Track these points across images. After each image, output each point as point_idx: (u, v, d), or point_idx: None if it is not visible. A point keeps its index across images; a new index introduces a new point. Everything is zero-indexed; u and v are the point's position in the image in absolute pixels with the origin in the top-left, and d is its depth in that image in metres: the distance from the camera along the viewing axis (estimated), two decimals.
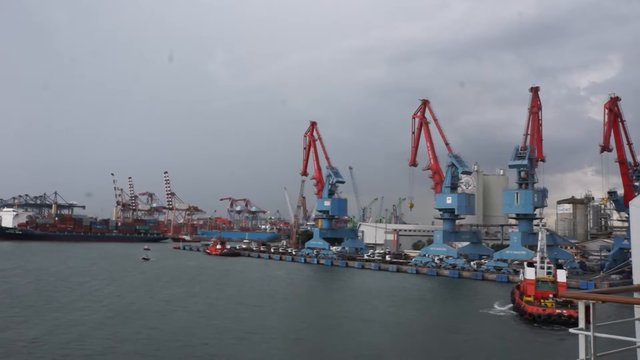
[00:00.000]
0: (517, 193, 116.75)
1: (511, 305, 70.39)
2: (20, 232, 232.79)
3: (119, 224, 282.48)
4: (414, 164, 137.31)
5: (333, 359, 44.30)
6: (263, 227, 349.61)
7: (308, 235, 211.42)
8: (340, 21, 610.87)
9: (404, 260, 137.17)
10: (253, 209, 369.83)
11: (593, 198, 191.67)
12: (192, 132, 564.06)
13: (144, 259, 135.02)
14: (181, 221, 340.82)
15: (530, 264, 70.16)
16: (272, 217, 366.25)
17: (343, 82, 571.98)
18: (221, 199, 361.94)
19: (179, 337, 47.63)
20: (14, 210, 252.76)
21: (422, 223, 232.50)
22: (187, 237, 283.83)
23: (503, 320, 63.32)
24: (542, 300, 62.20)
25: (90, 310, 59.76)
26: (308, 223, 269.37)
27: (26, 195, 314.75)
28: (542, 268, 69.67)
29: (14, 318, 53.70)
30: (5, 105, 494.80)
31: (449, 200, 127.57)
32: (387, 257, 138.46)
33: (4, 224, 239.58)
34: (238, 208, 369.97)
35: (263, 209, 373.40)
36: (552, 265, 71.76)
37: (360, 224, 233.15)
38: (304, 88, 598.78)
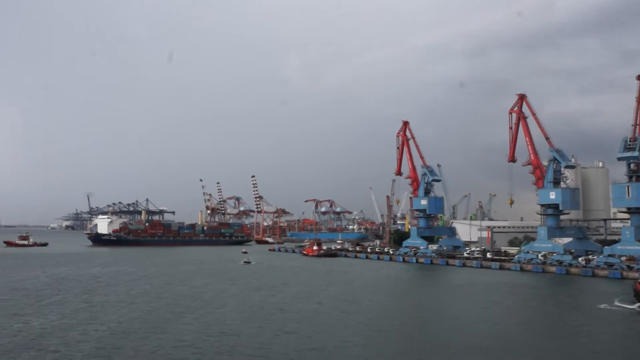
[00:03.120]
0: (627, 186, 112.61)
1: (639, 303, 68.52)
2: (115, 238, 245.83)
3: (205, 228, 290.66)
4: (512, 159, 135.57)
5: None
6: (351, 227, 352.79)
7: (400, 235, 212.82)
8: (412, 17, 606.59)
9: (506, 258, 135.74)
10: (338, 209, 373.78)
11: None
12: (273, 137, 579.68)
13: (245, 262, 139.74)
14: (268, 223, 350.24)
15: None
16: (358, 217, 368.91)
17: (418, 78, 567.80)
18: (306, 201, 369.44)
19: (324, 333, 51.10)
20: (108, 218, 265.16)
21: (511, 219, 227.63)
22: (270, 239, 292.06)
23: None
24: None
25: (231, 308, 64.83)
26: (398, 222, 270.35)
27: (119, 202, 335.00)
28: None
29: (172, 315, 59.59)
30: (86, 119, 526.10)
31: (552, 195, 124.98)
32: (488, 255, 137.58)
33: (99, 231, 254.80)
34: (323, 209, 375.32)
35: (347, 209, 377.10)
36: None
37: (452, 222, 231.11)
38: (378, 86, 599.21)
